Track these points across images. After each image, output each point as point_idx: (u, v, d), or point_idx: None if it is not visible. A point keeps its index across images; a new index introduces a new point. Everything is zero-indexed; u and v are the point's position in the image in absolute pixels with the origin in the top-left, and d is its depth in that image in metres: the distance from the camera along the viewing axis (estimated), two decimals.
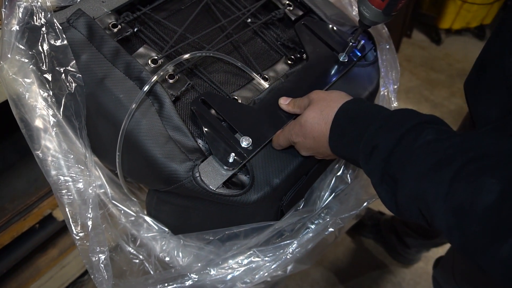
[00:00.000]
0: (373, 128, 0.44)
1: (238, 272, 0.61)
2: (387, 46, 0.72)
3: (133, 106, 0.51)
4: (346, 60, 0.65)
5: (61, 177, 0.52)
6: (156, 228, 0.63)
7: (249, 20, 0.69)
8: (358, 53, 0.67)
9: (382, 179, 0.42)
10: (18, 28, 0.51)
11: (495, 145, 0.36)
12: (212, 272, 0.60)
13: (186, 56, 0.56)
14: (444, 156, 0.37)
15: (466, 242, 0.35)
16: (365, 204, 0.65)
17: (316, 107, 0.51)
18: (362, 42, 0.67)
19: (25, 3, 0.51)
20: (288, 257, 0.60)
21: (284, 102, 0.57)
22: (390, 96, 0.73)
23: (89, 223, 0.52)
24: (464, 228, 0.34)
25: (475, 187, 0.34)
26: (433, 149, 0.38)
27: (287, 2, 0.72)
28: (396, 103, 0.74)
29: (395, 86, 0.74)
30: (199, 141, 0.55)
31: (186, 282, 0.60)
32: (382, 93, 0.72)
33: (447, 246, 1.00)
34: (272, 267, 0.60)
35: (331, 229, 0.62)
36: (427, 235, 1.22)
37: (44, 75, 0.52)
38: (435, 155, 0.38)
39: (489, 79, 0.58)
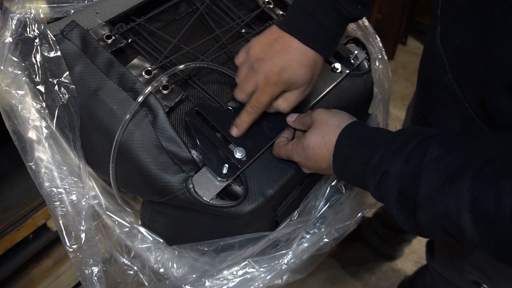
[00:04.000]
0: (378, 155, 0.43)
1: (233, 283, 0.60)
2: (380, 56, 0.72)
3: (127, 117, 0.51)
4: (340, 71, 0.66)
5: (54, 189, 0.52)
6: (151, 239, 0.62)
7: (243, 30, 0.69)
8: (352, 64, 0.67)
9: (398, 202, 0.42)
10: (11, 40, 0.51)
11: (499, 147, 0.36)
12: (207, 283, 0.60)
13: (181, 67, 0.56)
14: (454, 169, 0.37)
15: (505, 251, 0.34)
16: (360, 214, 0.65)
17: (318, 131, 0.51)
18: (356, 52, 0.67)
19: (18, 15, 0.51)
20: (283, 267, 0.60)
21: (290, 119, 0.58)
22: (384, 104, 0.73)
23: (82, 235, 0.52)
24: (498, 236, 0.33)
25: (496, 192, 0.33)
26: (442, 163, 0.38)
27: (281, 12, 0.72)
28: (390, 111, 0.74)
29: (388, 95, 0.74)
30: (193, 152, 0.55)
31: None
32: (376, 101, 0.73)
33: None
34: (268, 278, 0.60)
35: (326, 240, 0.62)
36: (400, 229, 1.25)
37: (37, 87, 0.52)
38: (446, 168, 0.37)
39: (438, 97, 0.59)
